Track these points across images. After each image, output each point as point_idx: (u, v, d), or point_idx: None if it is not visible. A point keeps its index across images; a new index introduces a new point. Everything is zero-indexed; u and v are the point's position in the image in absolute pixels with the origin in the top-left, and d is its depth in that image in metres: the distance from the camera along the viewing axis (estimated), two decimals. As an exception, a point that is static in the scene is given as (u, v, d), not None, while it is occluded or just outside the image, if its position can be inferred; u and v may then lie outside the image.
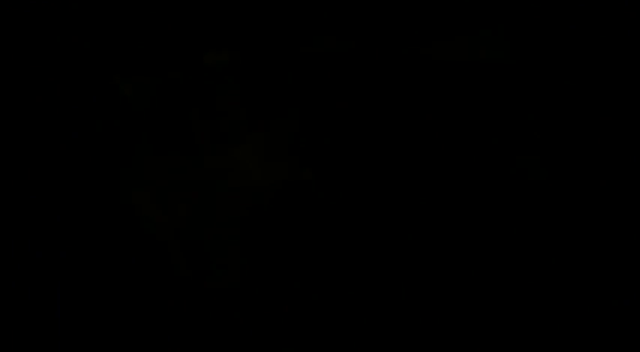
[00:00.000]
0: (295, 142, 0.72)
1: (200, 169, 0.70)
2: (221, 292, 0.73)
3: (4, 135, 0.85)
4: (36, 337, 0.81)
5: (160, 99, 0.82)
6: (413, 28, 0.94)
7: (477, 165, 0.89)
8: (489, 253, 0.85)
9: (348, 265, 0.82)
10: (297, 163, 0.73)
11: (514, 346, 0.79)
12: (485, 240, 0.85)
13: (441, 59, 0.94)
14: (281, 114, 0.73)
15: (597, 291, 0.82)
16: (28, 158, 0.86)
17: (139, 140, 0.78)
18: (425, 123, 0.91)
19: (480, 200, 0.88)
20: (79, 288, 0.82)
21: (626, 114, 0.90)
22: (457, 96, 0.93)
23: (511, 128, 0.91)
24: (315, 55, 0.86)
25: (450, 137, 0.90)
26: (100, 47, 0.82)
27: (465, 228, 0.86)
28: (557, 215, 0.87)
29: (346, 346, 0.78)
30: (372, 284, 0.82)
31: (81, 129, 0.73)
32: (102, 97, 0.65)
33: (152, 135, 0.76)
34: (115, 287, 0.82)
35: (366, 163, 0.88)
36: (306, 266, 0.76)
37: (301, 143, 0.73)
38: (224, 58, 0.82)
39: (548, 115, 0.92)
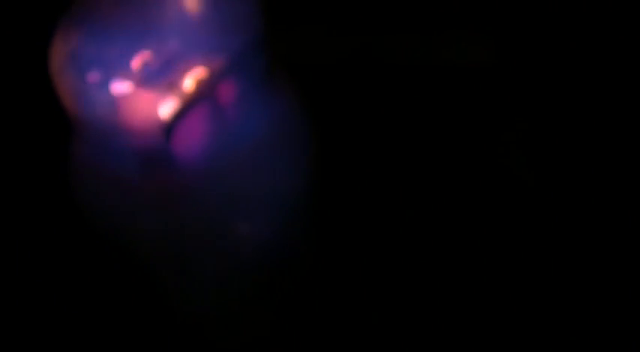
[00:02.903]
0: (283, 150, 0.71)
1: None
2: (213, 308, 0.72)
3: None
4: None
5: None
6: (396, 34, 0.94)
7: (466, 167, 0.88)
8: (476, 257, 0.84)
9: (339, 272, 0.82)
10: (287, 172, 0.72)
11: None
12: (472, 243, 0.85)
13: (426, 64, 0.93)
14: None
15: (588, 296, 0.81)
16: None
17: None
18: (412, 128, 0.90)
19: (468, 201, 0.87)
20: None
21: (616, 115, 0.90)
22: (446, 100, 0.93)
23: (497, 129, 0.91)
24: (303, 64, 0.86)
25: (439, 141, 0.90)
26: None
27: (454, 230, 0.86)
28: (545, 216, 0.87)
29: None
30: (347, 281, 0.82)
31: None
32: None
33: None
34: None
35: (355, 167, 0.87)
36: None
37: (289, 151, 0.72)
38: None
39: (536, 117, 0.91)
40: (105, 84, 0.59)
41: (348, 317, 0.79)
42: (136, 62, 0.59)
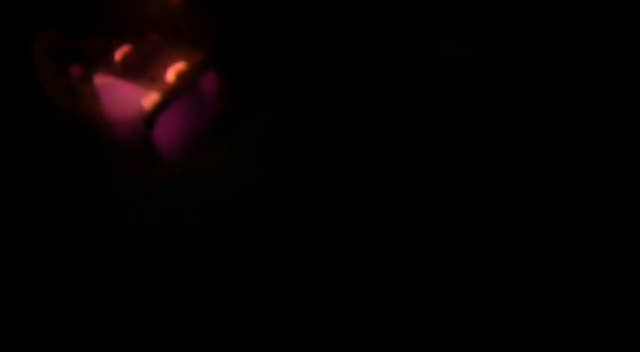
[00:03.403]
0: (263, 144, 0.71)
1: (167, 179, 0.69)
2: (198, 300, 0.72)
3: None
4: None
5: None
6: (376, 24, 0.94)
7: (444, 158, 0.88)
8: (458, 248, 0.84)
9: (320, 265, 0.82)
10: (265, 165, 0.72)
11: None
12: (453, 234, 0.85)
13: (405, 54, 0.93)
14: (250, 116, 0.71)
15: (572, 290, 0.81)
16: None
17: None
18: (391, 119, 0.90)
19: (448, 193, 0.87)
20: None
21: (598, 108, 0.90)
22: (423, 91, 0.92)
23: (478, 121, 0.91)
24: (279, 51, 0.85)
25: (417, 132, 0.90)
26: None
27: (434, 221, 0.86)
28: (524, 209, 0.86)
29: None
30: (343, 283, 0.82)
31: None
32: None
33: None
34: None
35: (334, 160, 0.87)
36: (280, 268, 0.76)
37: (268, 145, 0.72)
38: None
39: (515, 109, 0.91)
40: (87, 77, 0.59)
41: (325, 309, 0.79)
42: (118, 55, 0.60)
